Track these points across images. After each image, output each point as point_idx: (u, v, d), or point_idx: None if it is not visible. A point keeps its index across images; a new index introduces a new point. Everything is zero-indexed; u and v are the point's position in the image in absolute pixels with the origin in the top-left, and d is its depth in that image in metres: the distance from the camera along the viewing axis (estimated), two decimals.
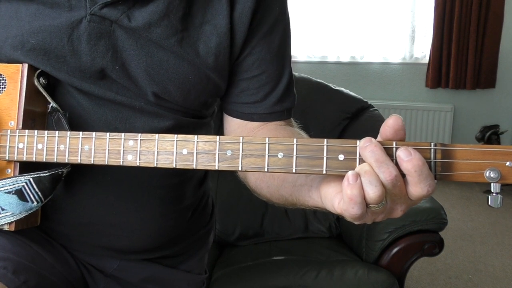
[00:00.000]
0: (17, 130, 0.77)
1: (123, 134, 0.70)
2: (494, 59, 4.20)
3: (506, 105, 4.30)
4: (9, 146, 0.77)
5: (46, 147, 0.75)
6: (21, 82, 0.80)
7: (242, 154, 0.64)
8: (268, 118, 0.91)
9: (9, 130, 0.78)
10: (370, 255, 1.77)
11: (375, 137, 0.60)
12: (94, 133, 0.72)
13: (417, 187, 0.57)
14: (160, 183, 0.92)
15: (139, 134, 0.69)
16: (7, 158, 0.78)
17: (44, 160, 0.75)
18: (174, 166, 0.67)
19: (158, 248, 0.98)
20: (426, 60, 4.41)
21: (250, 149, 0.63)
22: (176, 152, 0.67)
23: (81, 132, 0.73)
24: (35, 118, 0.82)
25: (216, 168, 0.65)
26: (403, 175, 0.58)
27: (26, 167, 0.80)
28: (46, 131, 0.75)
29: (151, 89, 0.82)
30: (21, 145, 0.77)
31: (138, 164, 0.69)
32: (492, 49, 4.17)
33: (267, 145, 0.63)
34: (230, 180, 2.04)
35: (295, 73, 2.17)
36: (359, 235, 1.86)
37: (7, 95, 0.80)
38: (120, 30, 0.79)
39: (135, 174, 0.88)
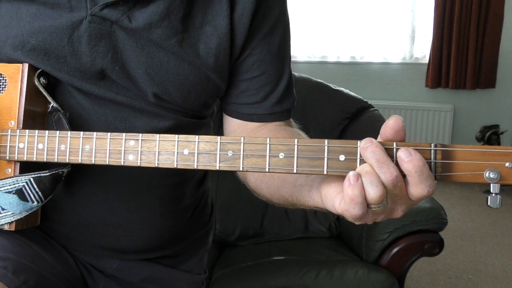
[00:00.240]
0: (18, 130, 0.77)
1: (124, 134, 0.70)
2: (494, 59, 4.20)
3: (506, 105, 4.30)
4: (10, 146, 0.77)
5: (47, 147, 0.75)
6: (22, 82, 0.79)
7: (243, 155, 0.64)
8: (267, 118, 0.91)
9: (9, 130, 0.78)
10: (370, 255, 1.78)
11: (375, 137, 0.60)
12: (95, 133, 0.72)
13: (418, 188, 0.57)
14: (160, 183, 0.92)
15: (140, 134, 0.69)
16: (7, 158, 0.78)
17: (45, 160, 0.75)
18: (175, 166, 0.67)
19: (157, 248, 0.98)
20: (426, 60, 4.41)
21: (251, 150, 0.64)
22: (177, 152, 0.67)
23: (82, 132, 0.73)
24: (36, 118, 0.82)
25: (217, 168, 0.65)
26: (403, 176, 0.58)
27: (26, 167, 0.79)
28: (47, 131, 0.75)
29: (151, 90, 0.82)
30: (21, 145, 0.77)
31: (139, 164, 0.69)
32: (492, 49, 4.17)
33: (268, 145, 0.63)
34: (230, 180, 2.04)
35: (295, 73, 2.18)
36: (359, 235, 1.86)
37: (7, 95, 0.80)
38: (121, 31, 0.79)
39: (135, 174, 0.88)
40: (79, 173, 0.85)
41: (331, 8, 4.50)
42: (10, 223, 0.78)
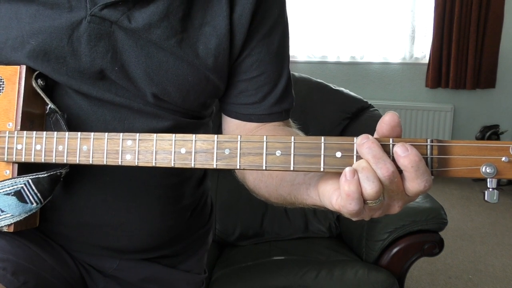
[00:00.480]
0: (16, 132, 0.77)
1: (121, 134, 0.70)
2: (494, 59, 4.21)
3: (506, 105, 4.30)
4: (8, 147, 0.77)
5: (45, 148, 0.75)
6: (19, 83, 0.79)
7: (240, 153, 0.64)
8: (266, 119, 0.91)
9: (7, 132, 0.78)
10: (370, 255, 1.78)
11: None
12: (92, 133, 0.72)
13: (414, 183, 0.57)
14: (159, 183, 0.92)
15: (137, 134, 0.69)
16: (5, 159, 0.78)
17: (43, 161, 0.75)
18: (172, 165, 0.67)
19: (157, 247, 0.98)
20: (426, 60, 4.42)
21: (248, 148, 0.64)
22: (175, 151, 0.67)
23: (79, 133, 0.73)
24: (33, 119, 0.82)
25: (215, 166, 0.65)
26: (400, 172, 0.58)
27: (24, 168, 0.79)
28: (44, 132, 0.75)
29: (150, 90, 0.82)
30: (19, 146, 0.77)
31: (136, 164, 0.69)
32: (492, 49, 4.18)
33: (264, 143, 0.63)
34: (230, 179, 2.03)
35: (295, 73, 2.18)
36: (359, 235, 1.86)
37: (5, 97, 0.80)
38: (120, 31, 0.79)
39: (133, 174, 0.88)
40: (78, 174, 0.85)
41: (331, 8, 4.50)
42: (9, 225, 0.78)
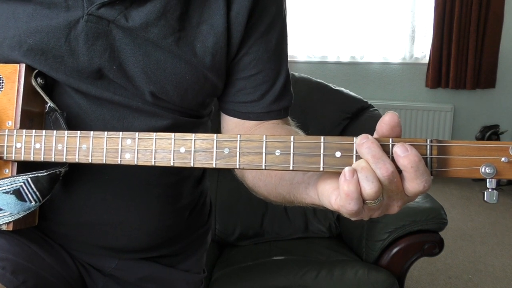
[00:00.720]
0: (15, 130, 0.77)
1: (120, 133, 0.70)
2: (494, 59, 4.20)
3: (506, 105, 4.30)
4: (7, 146, 0.77)
5: (44, 147, 0.75)
6: (19, 82, 0.79)
7: (239, 152, 0.64)
8: (265, 117, 0.91)
9: (6, 130, 0.78)
10: (370, 255, 1.78)
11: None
12: (91, 132, 0.72)
13: (414, 183, 0.57)
14: (158, 181, 0.92)
15: (137, 133, 0.69)
16: (5, 157, 0.78)
17: (42, 159, 0.75)
18: (172, 164, 0.67)
19: (156, 247, 0.98)
20: (426, 60, 4.41)
21: (248, 147, 0.63)
22: (174, 150, 0.67)
23: (78, 131, 0.73)
24: (33, 118, 0.82)
25: (214, 166, 0.65)
26: (399, 172, 0.58)
27: (24, 166, 0.79)
28: (43, 131, 0.75)
29: (148, 89, 0.82)
30: (18, 145, 0.77)
31: (136, 163, 0.69)
32: (492, 49, 4.17)
33: (264, 142, 0.63)
34: (230, 179, 2.03)
35: (295, 73, 2.18)
36: (359, 235, 1.86)
37: (4, 95, 0.80)
38: (118, 30, 0.79)
39: (132, 173, 0.88)
40: (77, 173, 0.85)
41: (331, 8, 4.50)
42: (8, 223, 0.78)
